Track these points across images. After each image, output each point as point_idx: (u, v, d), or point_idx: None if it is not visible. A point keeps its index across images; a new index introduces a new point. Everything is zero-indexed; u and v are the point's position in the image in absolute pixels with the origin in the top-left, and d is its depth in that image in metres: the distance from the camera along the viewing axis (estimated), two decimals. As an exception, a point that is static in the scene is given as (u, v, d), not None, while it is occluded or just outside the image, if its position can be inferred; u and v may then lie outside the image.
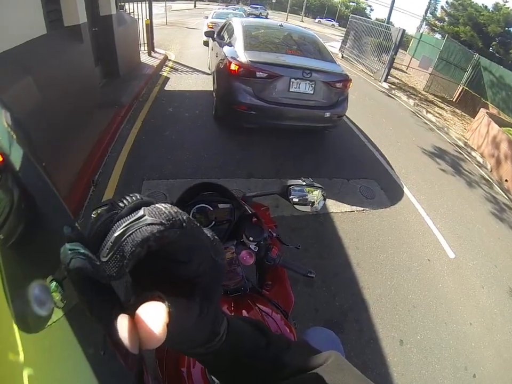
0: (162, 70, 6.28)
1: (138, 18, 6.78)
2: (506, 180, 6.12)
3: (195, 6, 30.81)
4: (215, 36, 4.76)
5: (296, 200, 1.03)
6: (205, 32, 5.66)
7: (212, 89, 4.25)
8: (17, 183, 0.24)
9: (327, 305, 2.06)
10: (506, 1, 16.39)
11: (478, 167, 6.13)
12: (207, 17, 10.81)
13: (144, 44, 6.95)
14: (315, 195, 1.04)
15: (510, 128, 8.80)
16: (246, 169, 3.18)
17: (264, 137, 3.88)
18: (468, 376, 2.25)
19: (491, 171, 6.39)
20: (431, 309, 2.47)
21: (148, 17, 6.96)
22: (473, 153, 6.79)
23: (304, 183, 1.03)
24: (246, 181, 2.96)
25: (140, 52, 6.44)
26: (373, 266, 2.48)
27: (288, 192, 1.03)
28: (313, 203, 1.05)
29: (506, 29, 15.79)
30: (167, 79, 5.67)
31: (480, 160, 6.64)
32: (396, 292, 2.40)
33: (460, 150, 6.60)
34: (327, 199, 2.74)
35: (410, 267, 2.68)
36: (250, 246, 0.93)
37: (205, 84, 5.40)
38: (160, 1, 16.64)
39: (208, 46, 6.08)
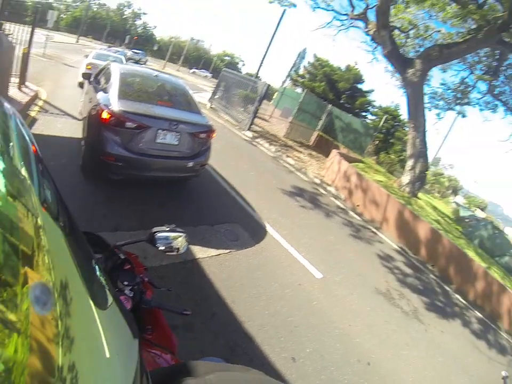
0: (31, 109, 6.46)
1: (16, 44, 6.83)
2: (358, 205, 8.96)
3: (77, 41, 35.38)
4: (91, 79, 5.48)
5: (162, 248, 1.42)
6: (82, 74, 6.28)
7: (81, 137, 4.73)
8: (49, 173, 0.61)
9: (212, 345, 2.74)
10: (356, 63, 26.03)
11: (333, 199, 8.74)
12: (87, 56, 12.30)
13: (15, 74, 6.91)
14: (179, 241, 1.47)
15: (357, 163, 13.01)
16: (112, 222, 3.72)
17: (130, 188, 4.58)
18: (363, 366, 3.42)
19: (345, 200, 9.20)
20: (311, 324, 3.57)
21: (26, 45, 7.19)
22: (328, 188, 9.58)
23: (167, 229, 1.44)
24: (112, 234, 3.47)
25: (10, 84, 6.49)
26: (248, 301, 3.39)
27: (154, 240, 1.41)
28: (178, 249, 1.47)
29: (354, 84, 24.55)
30: (34, 120, 5.88)
31: (335, 192, 9.45)
32: (275, 318, 3.36)
33: (316, 187, 9.20)
34: (194, 246, 3.72)
35: (283, 294, 3.78)
36: (126, 291, 1.20)
37: (75, 130, 5.85)
38: (43, 28, 17.92)
39: (82, 88, 6.74)
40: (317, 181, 9.89)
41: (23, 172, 0.52)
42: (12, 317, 0.35)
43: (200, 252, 3.76)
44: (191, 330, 2.74)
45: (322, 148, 16.52)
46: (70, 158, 4.89)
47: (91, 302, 0.53)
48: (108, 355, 0.51)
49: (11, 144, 0.53)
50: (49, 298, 0.41)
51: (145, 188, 4.79)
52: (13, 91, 7.00)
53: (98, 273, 0.70)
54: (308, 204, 7.20)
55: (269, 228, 5.13)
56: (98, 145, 3.93)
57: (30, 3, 42.91)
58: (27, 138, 0.59)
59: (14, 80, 7.24)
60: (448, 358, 4.43)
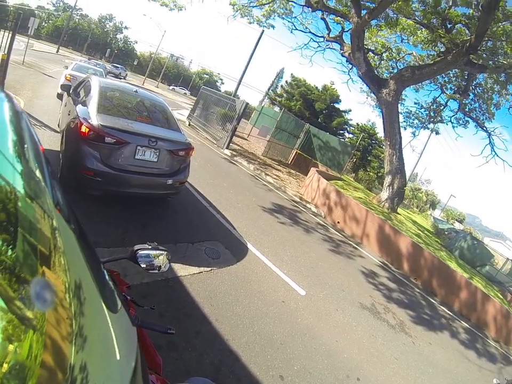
0: None
1: (-6, 50, 6.69)
2: (338, 222, 9.23)
3: (57, 52, 36.68)
4: (71, 91, 5.54)
5: (144, 265, 1.50)
6: (61, 85, 6.30)
7: (59, 150, 4.74)
8: (56, 175, 0.71)
9: (198, 365, 2.76)
10: (333, 83, 27.28)
11: (313, 216, 8.97)
12: (67, 67, 12.70)
13: None
14: (161, 260, 1.54)
15: (336, 181, 13.42)
16: (91, 238, 3.65)
17: (109, 204, 4.60)
18: (353, 382, 3.52)
19: (325, 217, 9.46)
20: (297, 341, 3.65)
21: (5, 52, 7.23)
22: (308, 205, 9.83)
23: (150, 247, 1.51)
24: None
25: None
26: (232, 319, 3.46)
27: (136, 257, 1.49)
28: (160, 267, 1.54)
29: (331, 104, 25.83)
30: None
31: (315, 210, 9.71)
32: (260, 336, 3.43)
33: (296, 204, 9.43)
34: (175, 263, 3.77)
35: (268, 312, 3.87)
36: None
37: (52, 143, 5.90)
38: (23, 35, 19.30)
39: (61, 100, 6.82)
40: (297, 198, 10.14)
41: (38, 173, 0.55)
42: (29, 314, 0.38)
43: (181, 270, 3.82)
44: (176, 350, 2.76)
45: (301, 166, 17.10)
46: (48, 171, 4.95)
47: (103, 304, 0.56)
48: (118, 357, 0.54)
49: (26, 146, 0.55)
50: (50, 294, 0.42)
51: (125, 204, 4.85)
52: (-13, 98, 7.10)
53: (107, 277, 0.75)
54: (289, 222, 7.38)
55: (250, 245, 5.26)
56: (77, 160, 4.00)
57: (12, 8, 43.21)
58: (35, 138, 0.62)
59: (-9, 87, 7.38)
60: (439, 369, 4.60)
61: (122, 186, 4.34)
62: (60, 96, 9.38)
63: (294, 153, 17.73)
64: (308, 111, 25.26)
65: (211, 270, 4.12)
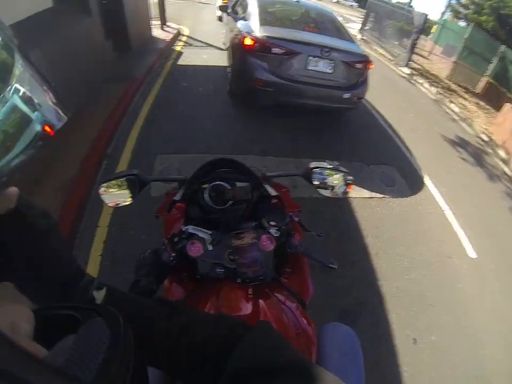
0: (175, 44, 7.36)
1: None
2: (531, 181, 6.95)
3: None
4: (229, 10, 5.50)
5: (316, 183, 1.19)
6: (219, 7, 6.63)
7: (227, 65, 4.88)
8: None
9: (343, 295, 2.42)
10: None
11: (501, 163, 6.84)
12: None
13: (155, 17, 8.08)
14: (336, 179, 1.19)
15: None
16: (260, 146, 3.66)
17: (279, 115, 4.37)
18: None
19: (516, 169, 7.21)
20: (448, 309, 2.87)
21: None
22: (497, 149, 7.59)
23: (330, 166, 1.17)
24: (261, 158, 3.43)
25: (152, 26, 7.63)
26: (392, 258, 2.88)
27: (312, 176, 1.18)
28: (333, 187, 1.20)
29: None
30: (180, 53, 6.61)
31: (504, 156, 7.43)
32: (413, 287, 2.79)
33: (483, 144, 7.35)
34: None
35: (430, 263, 3.10)
36: (271, 230, 1.04)
37: (219, 59, 6.16)
38: None
39: (222, 21, 7.34)
40: (484, 137, 7.87)
41: None
42: None
43: (352, 191, 3.23)
44: (328, 274, 2.37)
45: (492, 98, 12.98)
46: (217, 84, 5.11)
47: None
48: None
49: None
50: None
51: (297, 116, 4.41)
52: (156, 32, 7.66)
53: None
54: (472, 162, 5.78)
55: (427, 179, 4.26)
56: (245, 71, 3.92)
57: None
58: None
59: (155, 22, 7.91)
60: None
61: (294, 97, 4.05)
62: (220, 19, 9.29)
63: (484, 82, 13.35)
64: (503, 31, 17.89)
65: (383, 197, 3.49)
